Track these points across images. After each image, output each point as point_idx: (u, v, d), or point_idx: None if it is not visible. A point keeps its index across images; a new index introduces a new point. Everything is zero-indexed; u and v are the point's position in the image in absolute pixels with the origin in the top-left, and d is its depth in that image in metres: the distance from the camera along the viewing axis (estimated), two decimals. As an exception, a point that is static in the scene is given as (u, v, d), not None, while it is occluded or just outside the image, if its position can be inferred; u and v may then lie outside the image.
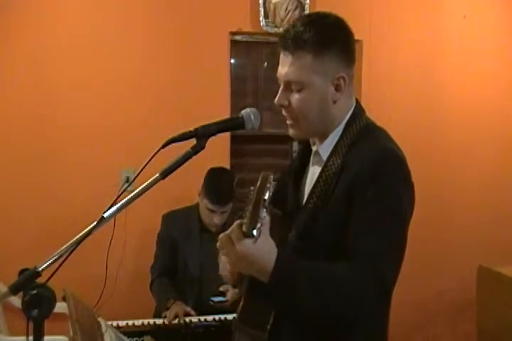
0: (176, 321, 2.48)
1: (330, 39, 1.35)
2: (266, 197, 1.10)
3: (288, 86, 1.38)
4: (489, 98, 3.69)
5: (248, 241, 1.13)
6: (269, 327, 1.25)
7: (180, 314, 2.49)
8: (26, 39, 3.04)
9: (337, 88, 1.37)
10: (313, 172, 1.45)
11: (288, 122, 1.43)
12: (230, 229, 1.17)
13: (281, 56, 1.39)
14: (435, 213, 3.58)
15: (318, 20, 1.39)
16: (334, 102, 1.38)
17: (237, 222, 1.15)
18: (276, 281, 1.18)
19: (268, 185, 1.11)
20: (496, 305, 3.31)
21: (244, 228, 1.12)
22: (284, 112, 1.42)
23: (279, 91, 1.40)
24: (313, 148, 1.47)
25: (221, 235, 1.19)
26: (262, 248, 1.16)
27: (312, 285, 1.19)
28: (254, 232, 1.10)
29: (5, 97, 3.04)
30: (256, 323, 1.27)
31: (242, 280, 1.38)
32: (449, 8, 3.59)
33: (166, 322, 2.47)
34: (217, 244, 1.20)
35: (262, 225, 1.11)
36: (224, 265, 1.43)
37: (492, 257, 3.48)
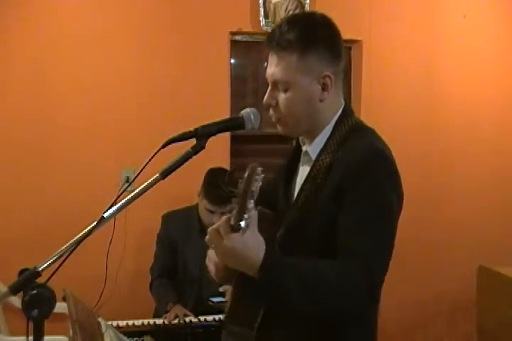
0: (176, 321, 2.48)
1: (314, 38, 1.36)
2: (254, 188, 1.09)
3: (275, 86, 1.39)
4: (489, 98, 3.68)
5: (235, 235, 1.12)
6: (257, 325, 1.25)
7: (180, 315, 2.49)
8: (26, 39, 3.04)
9: (323, 87, 1.38)
10: (303, 171, 1.45)
11: (274, 120, 1.44)
12: (219, 222, 1.17)
13: (269, 56, 1.40)
14: (435, 213, 3.58)
15: (302, 19, 1.41)
16: (321, 101, 1.39)
17: (226, 216, 1.15)
18: (264, 276, 1.18)
19: (256, 177, 1.10)
20: (496, 305, 3.31)
21: (231, 221, 1.11)
22: (270, 111, 1.42)
23: (267, 92, 1.41)
24: (303, 148, 1.48)
25: (209, 229, 1.19)
26: (249, 242, 1.15)
27: (301, 282, 1.19)
28: (242, 223, 1.09)
29: (5, 97, 3.04)
30: (244, 321, 1.27)
31: (231, 279, 1.39)
32: (449, 8, 3.59)
33: (166, 322, 2.47)
34: (206, 237, 1.20)
35: (249, 217, 1.10)
36: (209, 256, 1.45)
37: (492, 257, 3.47)
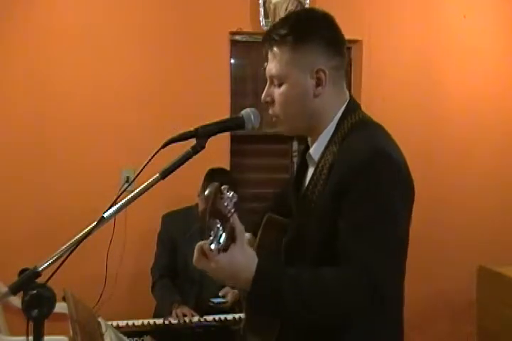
0: (176, 321, 2.48)
1: (308, 32, 1.35)
2: (220, 207, 1.05)
3: (271, 82, 1.39)
4: (489, 98, 3.68)
5: (220, 256, 1.09)
6: (275, 335, 1.24)
7: (188, 314, 2.49)
8: (26, 38, 3.04)
9: (318, 82, 1.35)
10: (309, 174, 1.41)
11: (273, 118, 1.42)
12: (203, 247, 1.13)
13: (268, 54, 1.40)
14: (435, 213, 3.57)
15: (298, 15, 1.41)
16: (316, 97, 1.35)
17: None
18: (256, 289, 1.15)
19: (221, 196, 1.05)
20: (496, 305, 3.31)
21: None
22: (270, 110, 1.41)
23: (265, 89, 1.40)
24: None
25: (195, 256, 1.14)
26: (236, 260, 1.12)
27: (297, 293, 1.16)
28: (212, 246, 1.06)
29: (5, 97, 3.04)
30: (262, 332, 1.26)
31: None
32: (449, 8, 3.59)
33: (173, 320, 2.47)
34: (195, 262, 1.15)
35: (220, 237, 1.06)
36: None
37: (492, 257, 3.48)
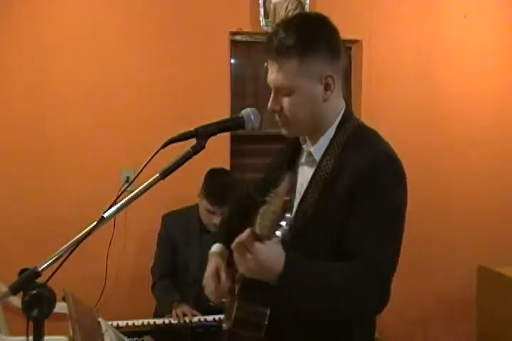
0: (176, 321, 2.48)
1: (312, 41, 1.36)
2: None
3: (278, 91, 1.39)
4: (489, 98, 3.68)
5: (262, 246, 1.14)
6: (264, 327, 1.25)
7: (188, 313, 2.49)
8: (26, 40, 3.04)
9: (326, 87, 1.38)
10: (305, 172, 1.45)
11: (280, 123, 1.44)
12: (243, 236, 1.16)
13: (269, 62, 1.40)
14: (435, 213, 3.58)
15: (297, 23, 1.41)
16: (324, 101, 1.39)
17: (249, 229, 1.15)
18: (285, 283, 1.19)
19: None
20: (496, 305, 3.31)
21: (258, 230, 1.12)
22: (276, 117, 1.43)
23: (271, 97, 1.41)
24: (305, 148, 1.48)
25: (234, 244, 1.17)
26: (274, 251, 1.17)
27: (320, 287, 1.22)
28: (279, 233, 1.11)
29: (5, 97, 3.04)
30: (251, 325, 1.27)
31: (231, 292, 1.39)
32: (449, 8, 3.59)
33: (173, 320, 2.47)
34: (234, 246, 1.18)
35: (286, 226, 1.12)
36: (208, 283, 1.46)
37: (492, 257, 3.48)
